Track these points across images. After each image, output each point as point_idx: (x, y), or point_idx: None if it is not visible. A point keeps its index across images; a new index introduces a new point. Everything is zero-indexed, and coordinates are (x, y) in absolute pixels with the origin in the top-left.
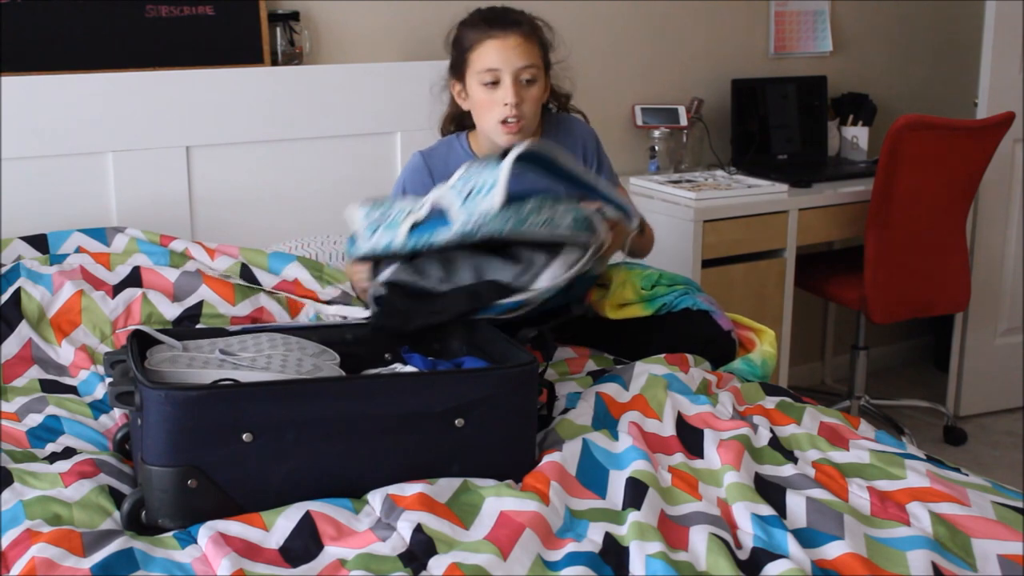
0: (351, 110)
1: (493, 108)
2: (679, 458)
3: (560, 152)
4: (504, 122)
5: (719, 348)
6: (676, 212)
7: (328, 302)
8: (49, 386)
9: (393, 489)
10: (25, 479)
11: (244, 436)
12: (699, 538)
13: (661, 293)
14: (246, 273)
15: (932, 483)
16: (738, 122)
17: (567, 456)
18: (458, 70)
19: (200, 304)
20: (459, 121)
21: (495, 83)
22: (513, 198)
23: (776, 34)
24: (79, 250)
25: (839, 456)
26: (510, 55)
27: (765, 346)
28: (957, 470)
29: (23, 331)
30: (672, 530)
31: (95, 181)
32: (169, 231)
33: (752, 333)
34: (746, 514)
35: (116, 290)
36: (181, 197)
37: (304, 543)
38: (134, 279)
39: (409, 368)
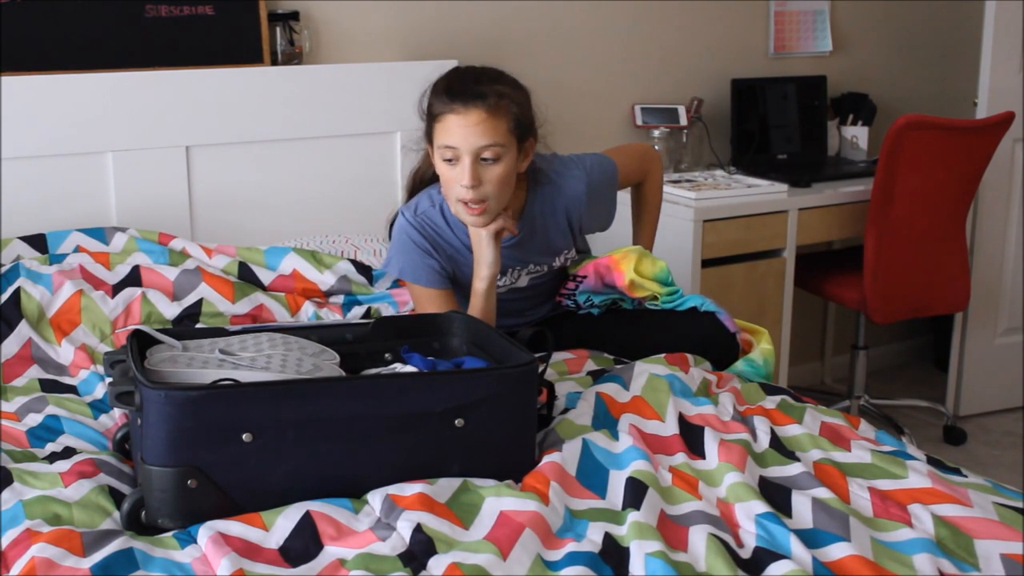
0: (351, 110)
1: (453, 186)
2: (681, 458)
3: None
4: (463, 202)
5: (721, 348)
6: (676, 212)
7: (328, 292)
8: (49, 386)
9: (393, 489)
10: (25, 479)
11: (244, 436)
12: (698, 538)
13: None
14: (244, 271)
15: (933, 483)
16: (738, 122)
17: (567, 456)
18: (428, 136)
19: (200, 303)
20: (427, 180)
21: (454, 160)
22: None
23: (776, 34)
24: (78, 249)
25: (841, 456)
26: (469, 133)
27: (763, 344)
28: (957, 471)
29: (23, 331)
30: (672, 530)
31: (95, 181)
32: (169, 231)
33: (748, 335)
34: (748, 513)
35: (116, 289)
36: (181, 197)
37: (304, 543)
38: (134, 278)
39: (409, 368)
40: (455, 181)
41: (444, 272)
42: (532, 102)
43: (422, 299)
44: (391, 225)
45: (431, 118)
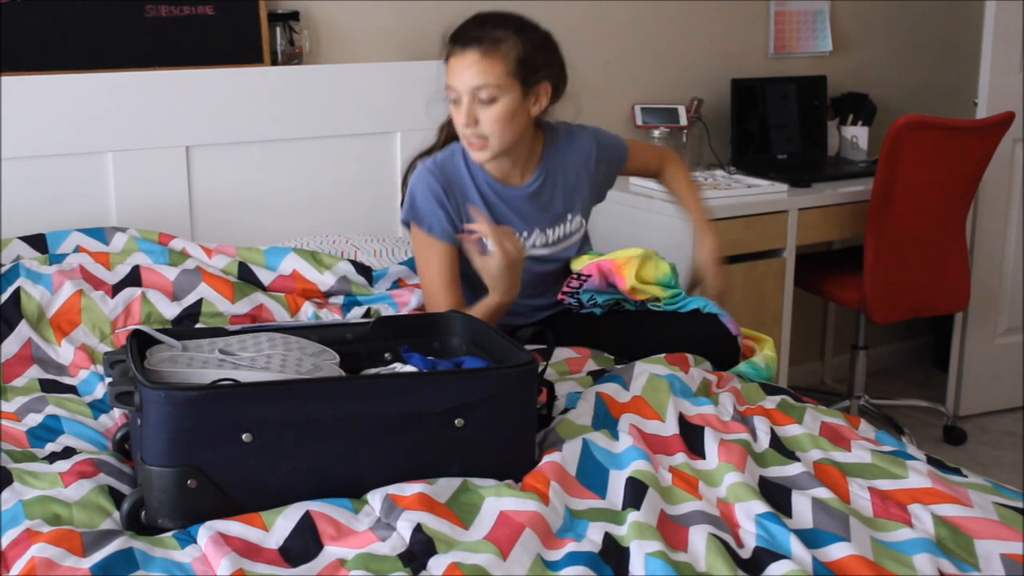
0: (351, 110)
1: (457, 126)
2: (680, 458)
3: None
4: (466, 139)
5: (722, 349)
6: (676, 212)
7: (327, 293)
8: (49, 386)
9: (393, 489)
10: (25, 479)
11: (244, 436)
12: (698, 538)
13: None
14: (244, 271)
15: (933, 483)
16: (738, 122)
17: (567, 456)
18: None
19: (199, 303)
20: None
21: (458, 101)
22: None
23: (776, 34)
24: (78, 249)
25: (841, 456)
26: (465, 74)
27: (766, 351)
28: (957, 471)
29: (23, 331)
30: (672, 530)
31: (95, 181)
32: (169, 231)
33: (751, 342)
34: (748, 513)
35: (115, 289)
36: (181, 197)
37: (304, 543)
38: (133, 278)
39: (409, 368)
40: (459, 121)
41: (451, 227)
42: (552, 48)
43: (425, 252)
44: (406, 174)
45: (444, 63)
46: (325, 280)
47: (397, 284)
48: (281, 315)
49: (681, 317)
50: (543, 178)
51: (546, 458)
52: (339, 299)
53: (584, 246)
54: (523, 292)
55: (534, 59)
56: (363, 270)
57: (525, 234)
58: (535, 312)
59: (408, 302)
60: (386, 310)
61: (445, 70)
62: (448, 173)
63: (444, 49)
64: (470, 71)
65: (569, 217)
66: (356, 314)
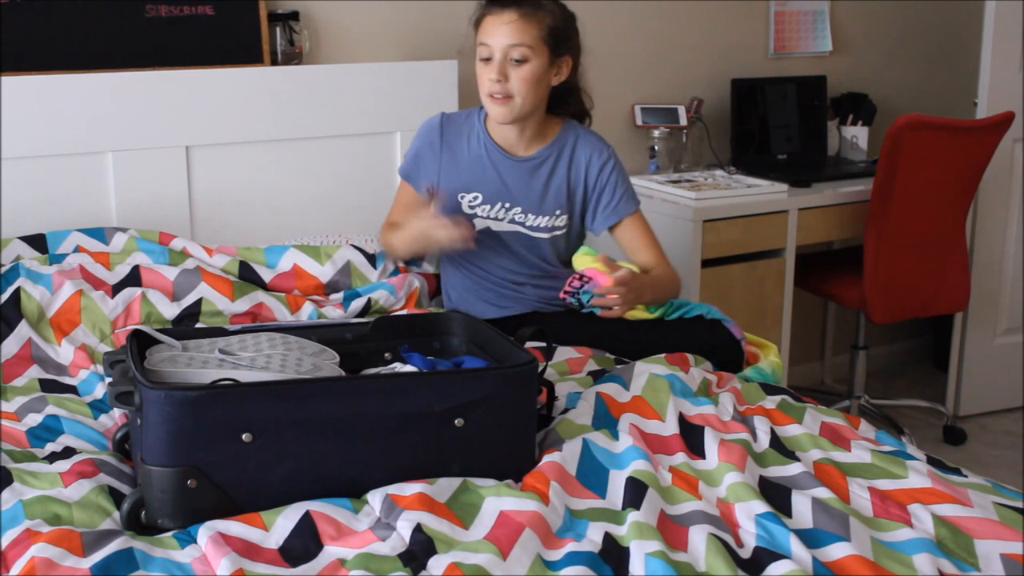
0: (351, 110)
1: (484, 82)
2: (680, 458)
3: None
4: (491, 95)
5: (727, 354)
6: (676, 212)
7: (328, 286)
8: (49, 386)
9: (393, 489)
10: (25, 479)
11: (244, 436)
12: (698, 538)
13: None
14: (245, 270)
15: (933, 483)
16: (738, 122)
17: (567, 456)
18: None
19: (199, 302)
20: None
21: (488, 59)
22: None
23: (776, 34)
24: (78, 249)
25: (841, 456)
26: (500, 31)
27: (771, 357)
28: (957, 471)
29: (23, 331)
30: (672, 530)
31: (95, 181)
32: (169, 231)
33: (755, 348)
34: (748, 513)
35: (115, 289)
36: (181, 197)
37: (304, 543)
38: (133, 278)
39: (409, 368)
40: (486, 77)
41: (426, 175)
42: (577, 28)
43: (399, 191)
44: None
45: (474, 24)
46: (325, 271)
47: (397, 271)
48: (282, 313)
49: (685, 321)
50: (545, 159)
51: (546, 458)
52: (339, 296)
53: (572, 248)
54: (500, 272)
55: (564, 31)
56: (366, 255)
57: (507, 205)
58: (526, 301)
59: (409, 282)
60: (386, 298)
61: (477, 31)
62: (452, 127)
63: (479, 9)
64: (506, 28)
65: (557, 212)
66: (356, 307)
